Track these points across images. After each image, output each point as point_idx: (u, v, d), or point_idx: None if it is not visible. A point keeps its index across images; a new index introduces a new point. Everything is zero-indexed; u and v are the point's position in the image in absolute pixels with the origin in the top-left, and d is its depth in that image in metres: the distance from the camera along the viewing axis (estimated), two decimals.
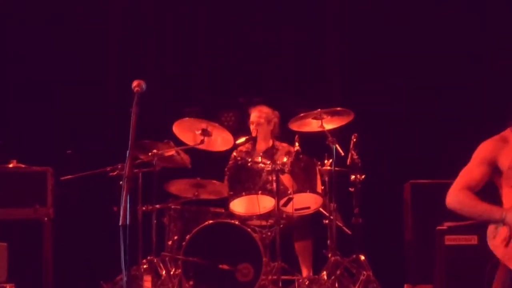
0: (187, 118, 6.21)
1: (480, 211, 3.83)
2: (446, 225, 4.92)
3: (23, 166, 6.09)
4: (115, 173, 6.02)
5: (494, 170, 3.93)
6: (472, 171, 3.96)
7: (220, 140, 6.20)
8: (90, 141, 7.08)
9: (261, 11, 7.29)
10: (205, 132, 6.05)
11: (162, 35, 7.54)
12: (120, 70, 7.25)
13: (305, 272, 6.12)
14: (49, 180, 6.03)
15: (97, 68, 7.33)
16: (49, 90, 7.24)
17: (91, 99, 7.26)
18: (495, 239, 3.73)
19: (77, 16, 7.39)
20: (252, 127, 6.53)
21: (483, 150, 4.02)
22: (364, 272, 5.75)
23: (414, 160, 6.73)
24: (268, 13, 7.26)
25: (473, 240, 4.84)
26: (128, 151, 3.14)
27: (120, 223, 2.91)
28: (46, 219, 5.94)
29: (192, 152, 6.33)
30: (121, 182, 3.08)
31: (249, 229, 5.84)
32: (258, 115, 6.54)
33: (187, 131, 6.20)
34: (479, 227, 4.82)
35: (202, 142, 6.09)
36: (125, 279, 2.84)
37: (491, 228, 3.78)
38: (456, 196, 3.93)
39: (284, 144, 6.56)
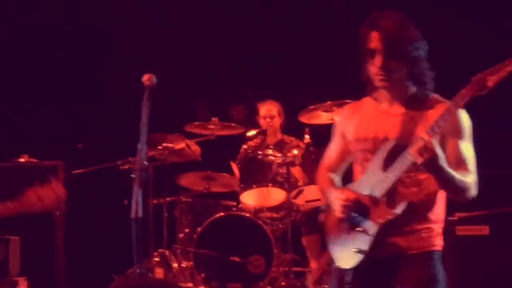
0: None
1: (324, 192, 3.59)
2: (457, 215, 4.91)
3: (34, 160, 6.11)
4: (126, 166, 6.04)
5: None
6: (330, 148, 3.65)
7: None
8: (100, 135, 7.10)
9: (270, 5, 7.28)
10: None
11: (170, 29, 7.55)
12: (131, 64, 7.25)
13: (314, 265, 6.13)
14: (60, 174, 6.05)
15: (108, 62, 7.34)
16: (59, 84, 7.26)
17: (101, 93, 7.28)
18: (328, 221, 3.48)
19: (87, 9, 7.40)
20: (262, 121, 6.54)
21: (338, 120, 3.67)
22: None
23: None
24: (276, 7, 7.25)
25: (484, 230, 4.83)
26: (139, 145, 3.16)
27: (132, 216, 2.92)
28: (57, 213, 5.96)
29: (203, 144, 6.34)
30: (132, 175, 3.09)
31: (260, 222, 5.86)
32: (271, 108, 6.55)
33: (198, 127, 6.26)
34: (491, 217, 4.85)
35: (212, 135, 6.13)
36: (138, 271, 2.86)
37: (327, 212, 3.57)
38: (317, 177, 3.68)
39: (292, 138, 6.57)
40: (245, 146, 6.60)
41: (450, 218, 4.93)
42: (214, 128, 6.23)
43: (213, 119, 6.22)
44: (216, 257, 5.78)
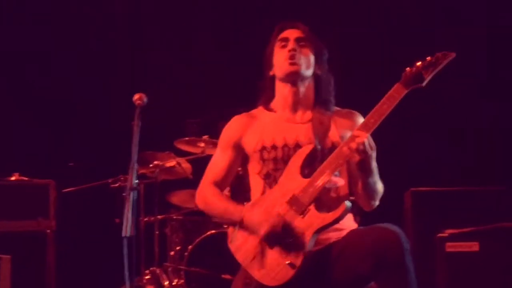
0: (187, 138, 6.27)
1: (222, 211, 3.42)
2: (447, 232, 4.93)
3: (25, 179, 6.10)
4: (117, 185, 6.05)
5: (242, 154, 3.50)
6: (217, 161, 3.53)
7: None
8: (91, 153, 7.10)
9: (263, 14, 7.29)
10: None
11: (163, 45, 7.56)
12: (122, 82, 7.26)
13: None
14: (52, 193, 6.05)
15: (98, 80, 7.35)
16: (50, 102, 7.26)
17: (92, 111, 7.28)
18: (235, 240, 3.32)
19: (75, 25, 7.40)
20: None
21: (227, 131, 3.55)
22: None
23: (415, 167, 6.74)
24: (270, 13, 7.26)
25: (474, 247, 4.84)
26: (130, 164, 3.17)
27: (123, 234, 2.93)
28: (48, 231, 5.95)
29: (194, 162, 6.35)
30: (123, 194, 3.11)
31: None
32: None
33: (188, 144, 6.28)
34: (481, 234, 4.86)
35: (203, 152, 6.14)
36: None
37: (230, 230, 3.40)
38: (201, 194, 3.51)
39: None
40: None
41: (439, 234, 4.95)
42: (205, 146, 6.24)
43: (204, 136, 6.23)
44: (207, 275, 5.77)
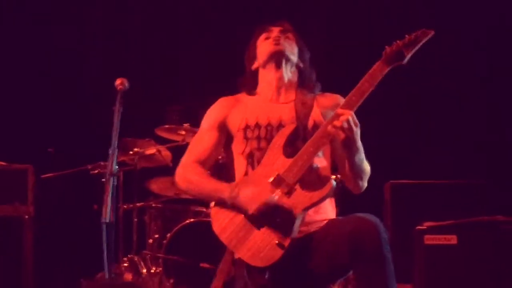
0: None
1: (208, 190, 3.37)
2: (426, 225, 4.94)
3: (3, 163, 6.06)
4: (96, 171, 6.03)
5: (226, 135, 3.50)
6: (202, 139, 3.52)
7: None
8: (71, 139, 7.06)
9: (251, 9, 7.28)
10: None
11: (145, 32, 7.52)
12: (103, 67, 7.22)
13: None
14: (30, 178, 6.00)
15: (79, 65, 7.31)
16: (30, 87, 7.21)
17: (72, 96, 7.24)
18: (219, 221, 3.31)
19: (58, 14, 7.35)
20: None
21: (211, 112, 3.55)
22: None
23: (395, 160, 6.76)
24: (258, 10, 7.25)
25: (452, 240, 4.86)
26: (110, 150, 3.15)
27: (103, 220, 2.92)
28: (26, 217, 5.91)
29: (174, 150, 6.33)
30: (103, 180, 3.09)
31: None
32: None
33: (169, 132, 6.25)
34: (459, 227, 4.89)
35: (183, 140, 6.12)
36: (107, 275, 2.85)
37: (214, 210, 3.35)
38: (184, 173, 3.47)
39: None
40: None
41: (418, 227, 4.97)
42: (185, 134, 6.22)
43: (185, 124, 6.21)
44: (186, 263, 5.77)
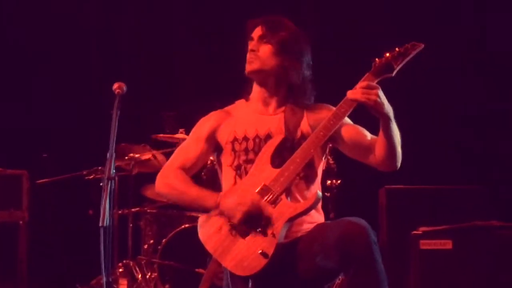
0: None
1: (191, 197, 3.38)
2: (421, 229, 4.96)
3: None
4: (91, 176, 6.02)
5: (214, 147, 3.52)
6: (188, 148, 3.53)
7: None
8: (66, 144, 7.05)
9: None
10: None
11: (141, 36, 7.52)
12: (99, 72, 7.22)
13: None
14: (25, 183, 6.01)
15: (75, 69, 7.30)
16: (25, 92, 7.21)
17: (68, 101, 7.23)
18: (205, 229, 3.28)
19: (55, 15, 7.35)
20: None
21: (202, 124, 3.56)
22: (340, 277, 5.78)
23: None
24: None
25: (447, 244, 4.87)
26: (108, 154, 3.15)
27: (100, 224, 2.91)
28: (21, 222, 5.93)
29: (169, 155, 6.32)
30: (101, 184, 3.08)
31: None
32: None
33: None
34: (454, 232, 4.90)
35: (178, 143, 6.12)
36: (104, 280, 2.85)
37: (202, 218, 3.34)
38: (166, 178, 3.47)
39: None
40: (211, 157, 6.58)
41: (414, 232, 4.98)
42: (181, 140, 6.21)
43: (180, 130, 6.21)
44: (181, 269, 5.76)
